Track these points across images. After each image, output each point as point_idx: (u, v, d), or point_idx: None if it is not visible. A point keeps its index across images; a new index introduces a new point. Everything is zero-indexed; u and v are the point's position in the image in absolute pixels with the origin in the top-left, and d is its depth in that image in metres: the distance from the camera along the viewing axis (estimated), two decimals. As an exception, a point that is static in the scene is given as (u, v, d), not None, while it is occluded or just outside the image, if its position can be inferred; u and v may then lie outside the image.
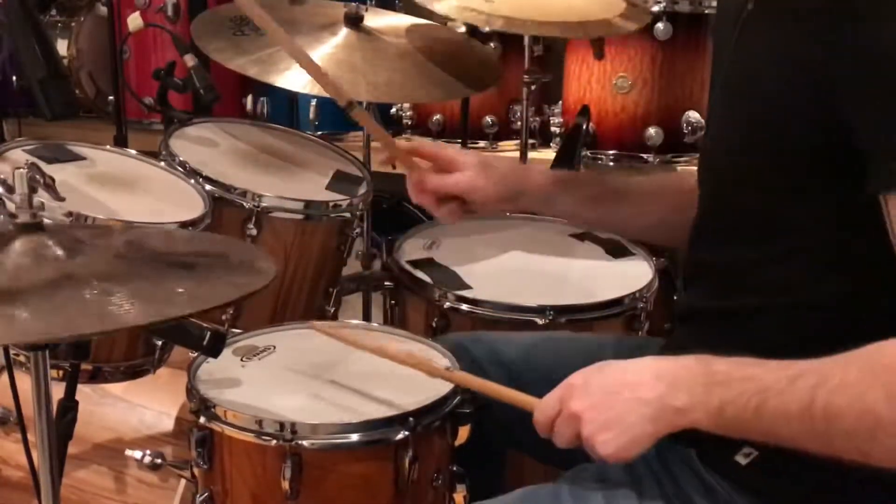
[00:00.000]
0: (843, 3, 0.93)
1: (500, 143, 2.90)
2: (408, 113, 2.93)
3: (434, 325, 1.58)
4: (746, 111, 1.07)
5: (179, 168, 1.79)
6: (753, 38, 1.08)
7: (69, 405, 1.36)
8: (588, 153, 2.47)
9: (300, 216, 1.79)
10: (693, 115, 2.41)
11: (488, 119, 2.83)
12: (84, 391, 1.57)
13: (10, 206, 1.08)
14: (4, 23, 1.48)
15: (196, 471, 1.34)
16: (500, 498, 1.16)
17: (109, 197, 1.66)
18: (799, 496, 1.05)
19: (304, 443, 1.22)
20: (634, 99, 2.41)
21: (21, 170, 1.06)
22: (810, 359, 0.93)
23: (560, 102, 2.70)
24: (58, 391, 1.21)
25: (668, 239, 1.60)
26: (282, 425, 1.23)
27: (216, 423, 1.27)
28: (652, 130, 2.41)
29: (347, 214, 1.85)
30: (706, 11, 2.40)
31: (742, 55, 1.10)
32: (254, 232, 1.74)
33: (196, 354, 1.37)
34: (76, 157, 1.77)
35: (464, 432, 1.31)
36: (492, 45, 2.72)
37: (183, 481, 1.68)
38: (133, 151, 1.92)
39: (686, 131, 2.42)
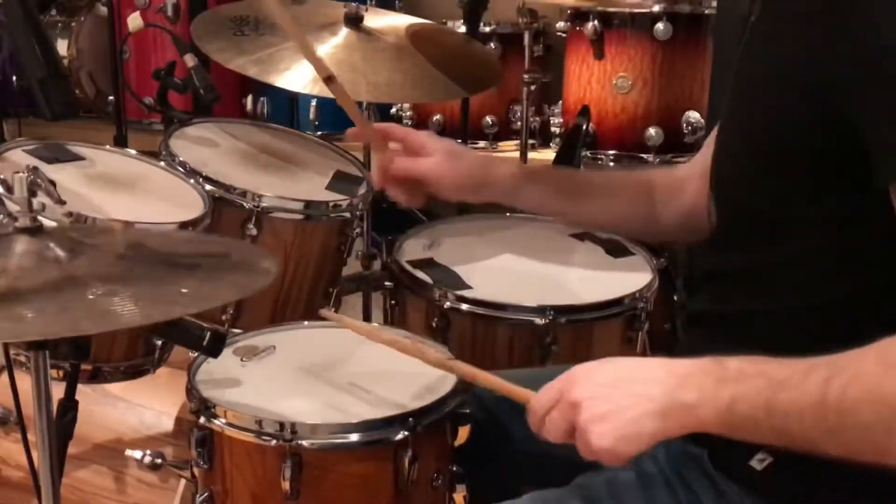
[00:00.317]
0: (843, 3, 0.93)
1: (500, 143, 2.90)
2: (408, 113, 2.93)
3: (434, 325, 1.58)
4: (754, 116, 1.07)
5: (179, 168, 1.79)
6: (760, 45, 1.08)
7: (69, 405, 1.36)
8: (588, 153, 2.47)
9: (300, 216, 1.79)
10: (693, 115, 2.42)
11: (488, 119, 2.83)
12: (84, 391, 1.57)
13: (11, 208, 1.08)
14: (4, 23, 1.48)
15: (196, 471, 1.34)
16: (509, 502, 1.16)
17: (109, 197, 1.66)
18: (814, 502, 1.04)
19: (304, 443, 1.22)
20: (634, 99, 2.42)
21: (21, 174, 1.06)
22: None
23: (560, 102, 2.70)
24: (58, 391, 1.21)
25: (633, 232, 1.62)
26: (282, 425, 1.23)
27: (216, 423, 1.27)
28: (652, 130, 2.41)
29: (347, 214, 1.85)
30: (706, 11, 2.40)
31: (749, 62, 1.11)
32: (254, 232, 1.74)
33: (196, 354, 1.37)
34: (76, 157, 1.77)
35: (464, 432, 1.31)
36: (492, 45, 2.73)
37: (183, 481, 1.68)
38: (133, 151, 1.92)
39: (686, 131, 2.42)
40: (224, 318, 1.76)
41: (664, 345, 1.35)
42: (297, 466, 1.22)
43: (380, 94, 1.90)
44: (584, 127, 2.38)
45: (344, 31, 1.93)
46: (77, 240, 1.11)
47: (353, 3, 1.97)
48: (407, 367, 1.37)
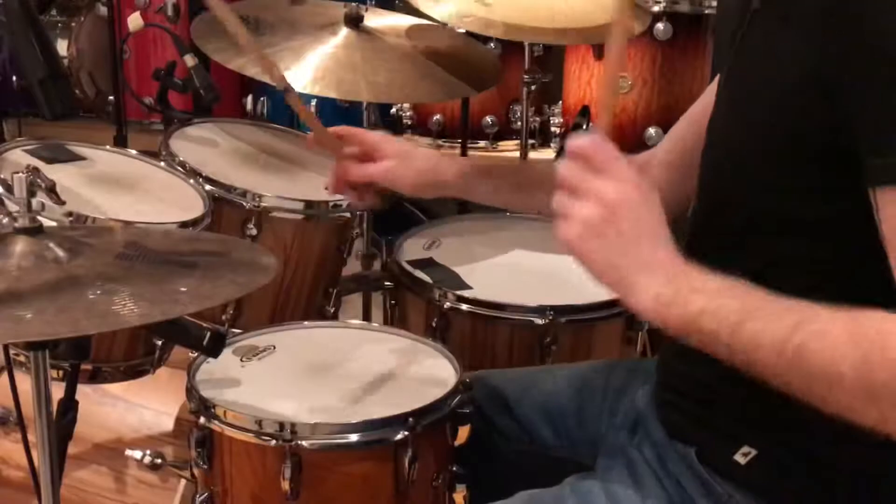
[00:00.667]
0: (846, 4, 0.93)
1: (500, 143, 2.90)
2: (408, 113, 2.93)
3: (434, 325, 1.58)
4: (749, 112, 1.07)
5: (179, 168, 1.79)
6: (757, 40, 1.08)
7: (69, 405, 1.36)
8: (588, 153, 2.46)
9: (300, 216, 1.80)
10: (693, 115, 2.41)
11: (488, 119, 2.83)
12: (84, 391, 1.57)
13: (11, 208, 1.08)
14: (4, 23, 1.48)
15: (196, 471, 1.34)
16: (502, 502, 1.16)
17: (109, 197, 1.66)
18: (798, 495, 1.05)
19: (304, 443, 1.22)
20: (634, 99, 2.41)
21: (21, 174, 1.06)
22: None
23: (560, 102, 2.70)
24: (58, 391, 1.21)
25: None
26: (282, 425, 1.23)
27: (216, 423, 1.27)
28: (652, 130, 2.41)
29: (347, 214, 1.86)
30: (706, 11, 2.40)
31: (745, 57, 1.10)
32: (254, 232, 1.74)
33: (196, 354, 1.37)
34: (76, 158, 1.77)
35: (464, 432, 1.31)
36: (492, 45, 2.72)
37: (183, 481, 1.68)
38: (133, 151, 1.92)
39: (686, 131, 2.42)
40: (224, 317, 1.76)
41: (664, 345, 1.35)
42: (297, 466, 1.22)
43: (380, 94, 1.90)
44: (584, 127, 2.38)
45: (344, 31, 1.93)
46: (77, 240, 1.11)
47: (353, 3, 1.97)
48: (407, 367, 1.37)
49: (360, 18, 1.95)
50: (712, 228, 1.15)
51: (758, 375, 0.92)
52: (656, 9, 2.34)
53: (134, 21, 1.98)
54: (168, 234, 1.47)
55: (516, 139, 2.75)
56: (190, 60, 1.94)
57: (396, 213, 1.64)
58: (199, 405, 1.29)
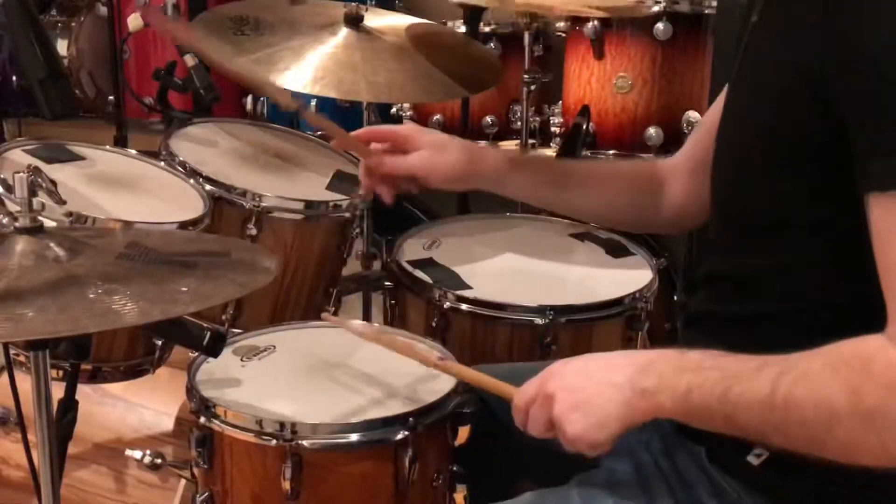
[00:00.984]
0: (831, 12, 0.93)
1: (501, 143, 2.90)
2: (408, 113, 2.93)
3: (434, 325, 1.58)
4: (753, 120, 1.08)
5: (179, 168, 1.79)
6: (758, 49, 1.09)
7: (69, 405, 1.36)
8: (588, 153, 2.47)
9: (300, 216, 1.80)
10: (693, 115, 2.41)
11: (488, 119, 2.83)
12: (84, 391, 1.57)
13: (12, 208, 1.08)
14: (4, 23, 1.48)
15: (196, 471, 1.34)
16: (508, 502, 1.16)
17: (109, 197, 1.66)
18: (811, 497, 1.05)
19: (304, 443, 1.22)
20: (634, 99, 2.41)
21: (21, 174, 1.06)
22: None
23: (560, 102, 2.70)
24: (58, 391, 1.21)
25: (619, 223, 1.63)
26: (282, 425, 1.23)
27: (216, 423, 1.27)
28: (652, 130, 2.41)
29: (347, 214, 1.86)
30: (706, 11, 2.40)
31: (747, 67, 1.11)
32: (254, 232, 1.74)
33: (196, 354, 1.37)
34: (76, 157, 1.77)
35: (464, 432, 1.31)
36: (492, 45, 2.72)
37: (183, 481, 1.68)
38: (133, 151, 1.92)
39: (686, 131, 2.42)
40: (224, 317, 1.76)
41: (664, 345, 1.35)
42: (298, 466, 1.22)
43: (380, 94, 1.89)
44: (584, 127, 2.38)
45: (344, 31, 1.93)
46: (77, 239, 1.11)
47: (353, 3, 1.97)
48: (407, 367, 1.37)
49: (360, 18, 1.95)
50: (726, 233, 1.15)
51: (761, 439, 0.95)
52: (656, 9, 2.33)
53: (134, 21, 1.98)
54: (168, 235, 1.48)
55: (516, 139, 2.75)
56: (190, 60, 1.94)
57: (396, 213, 1.64)
58: (200, 405, 1.29)
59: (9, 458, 1.85)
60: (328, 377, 1.38)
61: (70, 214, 1.47)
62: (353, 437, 1.23)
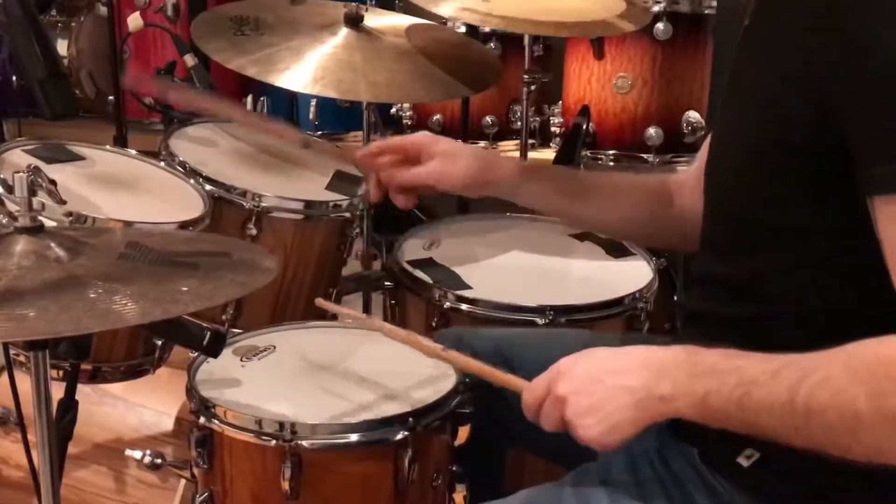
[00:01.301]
0: (832, 15, 0.93)
1: (500, 143, 2.90)
2: (408, 113, 2.93)
3: (434, 324, 1.58)
4: (746, 124, 1.08)
5: (179, 168, 1.79)
6: (751, 53, 1.09)
7: (69, 405, 1.36)
8: (588, 153, 2.47)
9: (300, 216, 1.80)
10: (693, 115, 2.41)
11: (488, 119, 2.83)
12: (84, 391, 1.57)
13: (12, 208, 1.08)
14: (4, 23, 1.48)
15: (196, 471, 1.34)
16: (502, 500, 1.16)
17: (109, 197, 1.66)
18: (801, 498, 1.05)
19: (304, 443, 1.22)
20: (634, 99, 2.41)
21: (21, 174, 1.06)
22: None
23: (560, 102, 2.70)
24: (58, 391, 1.21)
25: (633, 236, 1.63)
26: (282, 425, 1.23)
27: (216, 423, 1.27)
28: (652, 130, 2.41)
29: (347, 214, 1.86)
30: (706, 11, 2.40)
31: (742, 70, 1.11)
32: (254, 232, 1.74)
33: (196, 354, 1.37)
34: (76, 157, 1.77)
35: (464, 432, 1.31)
36: (492, 45, 2.72)
37: (183, 481, 1.68)
38: (133, 151, 1.92)
39: (686, 131, 2.42)
40: (224, 317, 1.76)
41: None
42: (297, 466, 1.22)
43: (380, 94, 1.89)
44: (584, 127, 2.38)
45: (344, 31, 1.93)
46: (77, 239, 1.11)
47: (353, 3, 1.97)
48: (407, 367, 1.37)
49: (360, 18, 1.95)
50: (720, 235, 1.15)
51: (784, 441, 0.93)
52: (656, 9, 2.34)
53: (134, 21, 1.98)
54: (169, 235, 1.48)
55: (516, 139, 2.75)
56: (190, 60, 1.94)
57: (396, 213, 1.64)
58: (200, 405, 1.29)
59: (9, 458, 1.85)
60: (328, 377, 1.38)
61: (70, 214, 1.47)
62: (353, 437, 1.23)
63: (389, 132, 2.98)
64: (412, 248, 1.76)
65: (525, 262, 1.75)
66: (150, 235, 1.34)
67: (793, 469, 1.03)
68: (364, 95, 1.91)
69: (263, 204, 1.74)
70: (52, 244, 1.07)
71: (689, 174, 1.42)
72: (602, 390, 1.01)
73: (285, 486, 1.22)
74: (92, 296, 0.99)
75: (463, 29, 2.56)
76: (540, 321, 1.53)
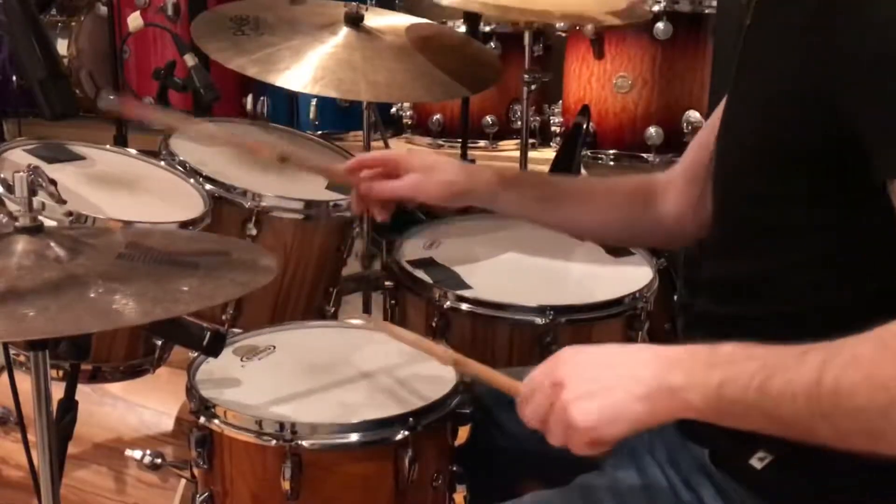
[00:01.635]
0: (834, 9, 0.93)
1: (500, 143, 2.90)
2: (408, 113, 2.94)
3: (434, 325, 1.58)
4: (748, 124, 1.08)
5: (179, 168, 1.79)
6: (752, 53, 1.09)
7: (69, 405, 1.36)
8: (588, 153, 2.47)
9: (300, 216, 1.80)
10: (693, 115, 2.42)
11: (488, 119, 2.84)
12: (84, 391, 1.57)
13: (12, 208, 1.08)
14: (4, 23, 1.48)
15: (196, 471, 1.34)
16: (509, 503, 1.16)
17: (109, 197, 1.66)
18: (814, 501, 1.04)
19: (304, 443, 1.22)
20: (634, 99, 2.42)
21: (21, 173, 1.06)
22: None
23: (560, 102, 2.70)
24: (58, 391, 1.21)
25: (611, 238, 1.64)
26: (282, 425, 1.23)
27: (216, 423, 1.27)
28: (652, 130, 2.41)
29: (347, 214, 1.85)
30: (706, 11, 2.41)
31: (742, 71, 1.11)
32: (254, 232, 1.74)
33: (196, 354, 1.37)
34: (76, 157, 1.77)
35: (464, 432, 1.31)
36: (491, 44, 2.72)
37: (183, 481, 1.68)
38: (133, 151, 1.92)
39: (686, 131, 2.42)
40: (224, 317, 1.76)
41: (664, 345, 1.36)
42: (297, 466, 1.22)
43: (380, 94, 1.90)
44: (584, 126, 2.38)
45: (344, 31, 1.93)
46: (77, 239, 1.11)
47: (353, 3, 1.97)
48: (407, 367, 1.37)
49: (360, 18, 1.95)
50: (725, 235, 1.15)
51: (806, 433, 0.86)
52: (656, 8, 2.34)
53: (134, 21, 1.98)
54: (169, 234, 1.47)
55: (516, 139, 2.76)
56: (190, 60, 1.94)
57: (396, 213, 1.64)
58: (199, 405, 1.29)
59: (9, 458, 1.85)
60: (328, 377, 1.38)
61: (70, 214, 1.47)
62: (353, 437, 1.23)
63: (389, 132, 2.99)
64: (412, 248, 1.76)
65: (525, 262, 1.75)
66: (150, 235, 1.34)
67: (807, 472, 1.00)
68: (364, 95, 1.91)
69: (263, 203, 1.74)
70: (52, 244, 1.07)
71: (676, 174, 1.43)
72: (608, 378, 0.94)
73: (285, 486, 1.22)
74: (92, 296, 0.99)
75: (463, 29, 2.56)
76: (540, 321, 1.53)
